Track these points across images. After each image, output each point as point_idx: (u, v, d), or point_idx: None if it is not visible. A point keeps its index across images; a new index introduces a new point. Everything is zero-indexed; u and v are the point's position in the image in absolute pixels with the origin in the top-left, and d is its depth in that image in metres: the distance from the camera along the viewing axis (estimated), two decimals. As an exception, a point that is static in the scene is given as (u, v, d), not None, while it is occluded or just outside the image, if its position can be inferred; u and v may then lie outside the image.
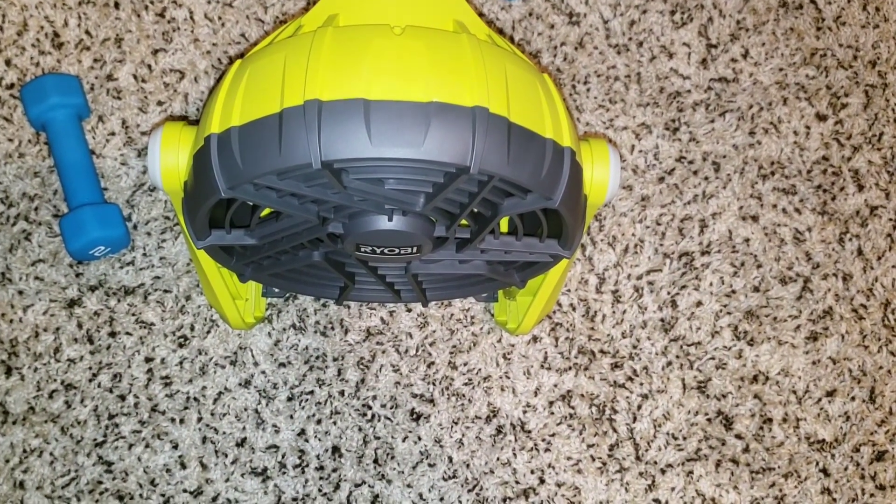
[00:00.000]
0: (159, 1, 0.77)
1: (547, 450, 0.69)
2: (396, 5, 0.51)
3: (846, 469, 0.71)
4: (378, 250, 0.54)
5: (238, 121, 0.46)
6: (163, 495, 0.66)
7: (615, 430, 0.70)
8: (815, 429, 0.72)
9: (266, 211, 0.55)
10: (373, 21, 0.49)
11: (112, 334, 0.69)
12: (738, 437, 0.71)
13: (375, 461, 0.68)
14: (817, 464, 0.71)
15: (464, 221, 0.53)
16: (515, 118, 0.46)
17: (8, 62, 0.74)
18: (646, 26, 0.80)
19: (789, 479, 0.70)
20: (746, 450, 0.71)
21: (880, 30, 0.83)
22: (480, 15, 0.79)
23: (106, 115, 0.74)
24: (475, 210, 0.52)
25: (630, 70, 0.79)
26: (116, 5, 0.76)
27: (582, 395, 0.71)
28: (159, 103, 0.74)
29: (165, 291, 0.70)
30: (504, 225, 0.67)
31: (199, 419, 0.68)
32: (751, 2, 0.82)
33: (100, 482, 0.66)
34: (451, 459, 0.69)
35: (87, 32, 0.75)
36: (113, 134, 0.73)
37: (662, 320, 0.73)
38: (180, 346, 0.69)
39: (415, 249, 0.54)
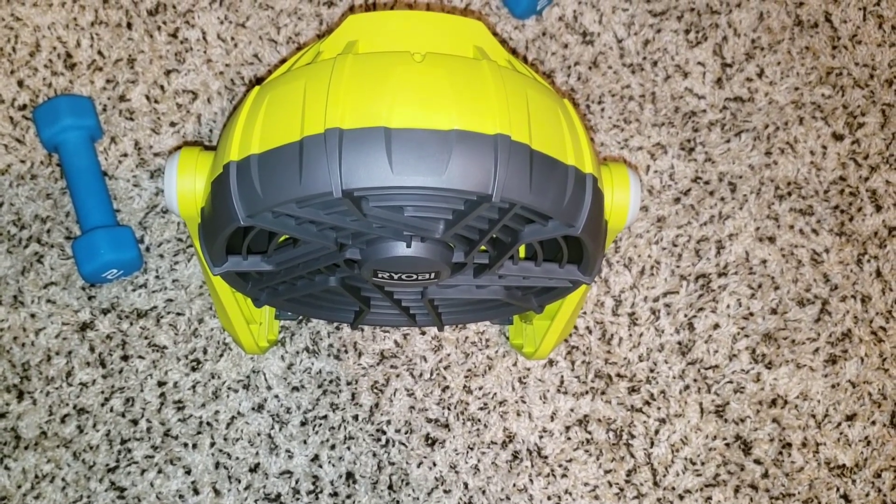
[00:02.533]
0: (172, 21, 0.76)
1: (564, 475, 0.68)
2: (416, 32, 0.51)
3: (868, 495, 0.70)
4: (395, 276, 0.53)
5: (257, 148, 0.46)
6: (175, 521, 0.66)
7: (632, 456, 0.69)
8: (836, 454, 0.71)
9: (283, 237, 0.55)
10: (393, 48, 0.49)
11: (124, 358, 0.68)
12: (757, 462, 0.70)
13: (390, 487, 0.67)
14: (838, 489, 0.70)
15: (482, 247, 0.53)
16: (537, 145, 0.46)
17: (20, 83, 0.74)
18: (660, 45, 0.80)
19: (809, 505, 0.69)
20: (766, 475, 0.70)
21: (896, 49, 0.82)
22: (494, 35, 0.79)
23: (118, 137, 0.73)
24: (494, 236, 0.52)
25: (645, 90, 0.78)
26: (129, 26, 0.76)
27: (599, 420, 0.70)
28: (172, 124, 0.74)
29: (178, 314, 0.69)
30: (522, 250, 0.66)
31: (212, 444, 0.67)
32: (766, 21, 0.81)
33: (112, 508, 0.66)
34: (466, 486, 0.68)
35: (100, 53, 0.75)
36: (125, 155, 0.73)
37: (679, 343, 0.72)
38: (193, 369, 0.68)
39: (432, 275, 0.54)
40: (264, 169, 0.45)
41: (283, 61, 0.73)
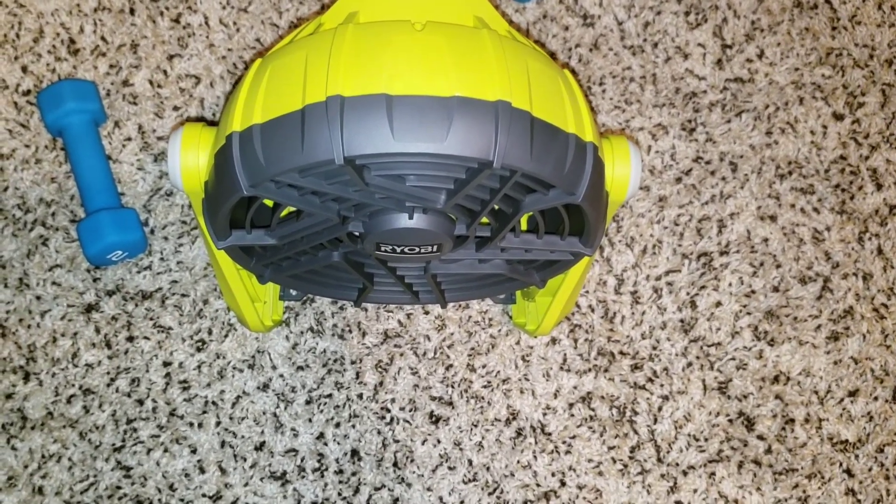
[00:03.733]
0: (174, 7, 0.77)
1: (567, 452, 0.69)
2: (416, 2, 0.51)
3: (870, 470, 0.70)
4: (398, 249, 0.54)
5: (260, 118, 0.46)
6: (182, 500, 0.66)
7: (636, 432, 0.69)
8: (838, 429, 0.71)
9: (286, 211, 0.55)
10: (393, 17, 0.49)
11: (130, 339, 0.69)
12: (761, 437, 0.70)
13: (395, 464, 0.68)
14: (841, 465, 0.70)
15: (484, 219, 0.53)
16: (538, 113, 0.46)
17: (24, 69, 0.74)
18: (660, 27, 0.80)
19: (813, 481, 0.69)
20: (769, 451, 0.70)
21: (896, 29, 0.82)
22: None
23: (122, 121, 0.74)
24: (496, 207, 0.52)
25: (645, 71, 0.79)
26: (132, 11, 0.76)
27: (602, 397, 0.70)
28: (175, 108, 0.74)
29: (183, 296, 0.70)
30: (524, 223, 0.66)
31: (218, 423, 0.67)
32: (765, 2, 0.82)
33: (118, 487, 0.66)
34: (471, 462, 0.68)
35: (103, 38, 0.75)
36: (129, 139, 0.73)
37: (682, 321, 0.72)
38: (198, 350, 0.69)
39: (435, 248, 0.54)
40: (267, 138, 0.46)
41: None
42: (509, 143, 0.45)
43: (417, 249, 0.54)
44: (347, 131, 0.44)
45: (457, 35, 0.47)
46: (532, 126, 0.45)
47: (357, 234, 0.54)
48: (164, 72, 0.75)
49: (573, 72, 0.78)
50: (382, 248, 0.54)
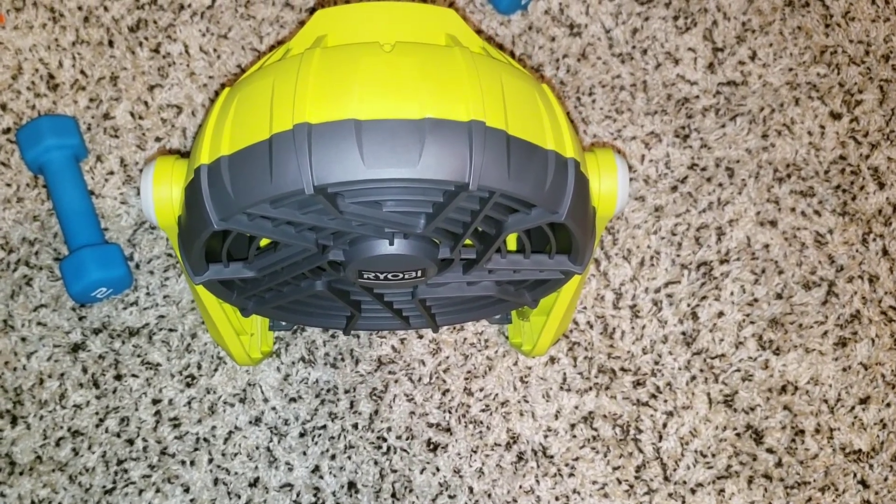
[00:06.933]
0: (153, 36, 0.76)
1: (571, 475, 0.67)
2: (386, 22, 0.50)
3: (886, 479, 0.68)
4: (381, 276, 0.52)
5: (227, 150, 0.45)
6: (176, 541, 0.64)
7: (641, 451, 0.67)
8: (851, 438, 0.69)
9: (264, 241, 0.53)
10: (362, 39, 0.48)
11: (118, 377, 0.67)
12: (770, 451, 0.68)
13: (393, 495, 0.66)
14: (855, 475, 0.68)
15: (469, 241, 0.51)
16: (514, 131, 0.44)
17: (3, 107, 0.73)
18: (649, 33, 0.78)
19: (826, 493, 0.67)
20: (779, 464, 0.68)
21: (891, 23, 0.80)
22: (479, 31, 0.77)
23: (104, 155, 0.72)
24: (479, 229, 0.50)
25: (635, 79, 0.77)
26: (111, 43, 0.75)
27: (604, 416, 0.68)
28: (157, 139, 0.73)
29: (170, 330, 0.68)
30: (512, 243, 0.65)
31: (210, 460, 0.66)
32: (755, 2, 0.80)
33: (111, 530, 0.64)
34: (471, 490, 0.66)
35: (82, 72, 0.74)
36: (112, 173, 0.72)
37: (684, 333, 0.70)
38: (188, 385, 0.67)
39: (419, 273, 0.52)
40: (235, 170, 0.44)
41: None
42: (485, 163, 0.43)
43: (401, 275, 0.52)
44: (316, 159, 0.42)
45: (427, 55, 0.45)
46: (508, 145, 0.44)
47: (338, 262, 0.52)
48: (146, 103, 0.74)
49: (561, 83, 0.76)
50: (365, 276, 0.52)
